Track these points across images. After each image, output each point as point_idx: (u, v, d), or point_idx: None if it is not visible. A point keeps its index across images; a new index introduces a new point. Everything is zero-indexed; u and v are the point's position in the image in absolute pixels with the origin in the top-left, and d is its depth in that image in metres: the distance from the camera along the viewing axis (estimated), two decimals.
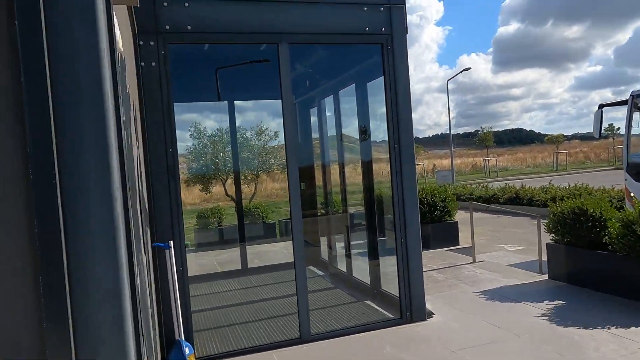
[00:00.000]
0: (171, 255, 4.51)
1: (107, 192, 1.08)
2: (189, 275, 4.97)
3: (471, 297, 6.44)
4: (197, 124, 14.02)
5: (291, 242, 5.28)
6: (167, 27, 4.71)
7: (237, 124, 10.18)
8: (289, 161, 5.18)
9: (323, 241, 9.57)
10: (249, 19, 4.93)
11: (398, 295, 5.58)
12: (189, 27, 4.77)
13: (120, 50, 1.98)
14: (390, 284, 6.04)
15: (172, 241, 4.56)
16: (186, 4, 4.76)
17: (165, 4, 4.69)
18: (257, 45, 5.75)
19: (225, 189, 13.77)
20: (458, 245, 10.38)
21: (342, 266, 8.36)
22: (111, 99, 1.15)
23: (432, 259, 8.99)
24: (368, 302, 6.54)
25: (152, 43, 4.66)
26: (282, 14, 5.03)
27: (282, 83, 5.15)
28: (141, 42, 4.63)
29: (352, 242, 8.33)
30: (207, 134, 14.21)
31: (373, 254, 7.19)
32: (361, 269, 7.50)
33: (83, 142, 1.08)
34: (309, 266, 9.11)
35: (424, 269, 5.79)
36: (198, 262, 10.55)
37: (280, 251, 10.93)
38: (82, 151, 1.07)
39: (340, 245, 8.82)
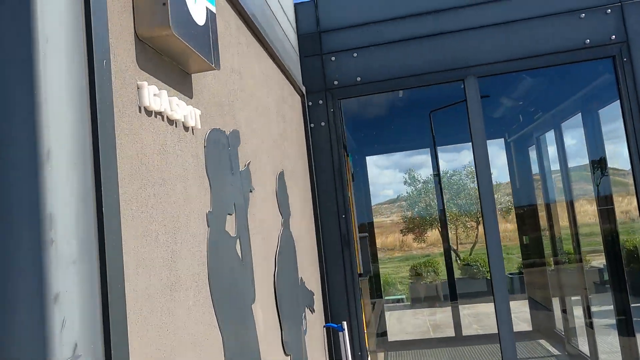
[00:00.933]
0: (345, 338, 3.92)
1: None
2: (399, 339, 4.27)
3: None
4: (411, 170, 13.62)
5: (519, 302, 4.09)
6: (336, 82, 4.34)
7: (451, 167, 9.30)
8: (484, 209, 4.12)
9: (555, 302, 7.71)
10: (427, 58, 4.20)
11: None
12: (358, 79, 4.31)
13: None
14: None
15: (345, 322, 3.98)
16: (355, 54, 4.32)
17: (332, 58, 4.35)
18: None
19: (443, 238, 12.79)
20: None
21: (583, 344, 6.47)
22: None
23: None
24: None
25: (320, 102, 4.34)
26: (468, 43, 4.15)
27: (472, 123, 4.19)
28: (310, 103, 4.35)
29: (593, 308, 6.42)
30: (421, 181, 13.64)
31: (625, 326, 5.27)
32: (612, 350, 5.60)
33: None
34: (539, 339, 7.40)
35: None
36: (411, 323, 9.77)
37: None
38: None
39: (579, 311, 6.91)
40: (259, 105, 2.80)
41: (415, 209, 13.63)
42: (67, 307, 0.97)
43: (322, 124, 4.33)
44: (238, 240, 2.15)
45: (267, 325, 2.42)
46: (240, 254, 2.15)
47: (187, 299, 1.58)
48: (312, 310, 3.63)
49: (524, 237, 7.94)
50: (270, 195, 2.82)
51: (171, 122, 1.61)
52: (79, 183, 1.06)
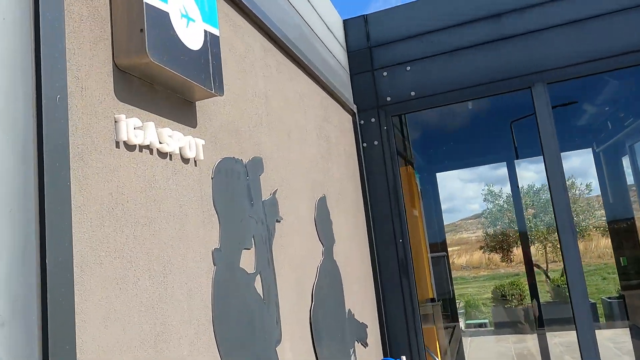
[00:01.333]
0: None
1: None
2: None
3: None
4: (489, 185, 12.85)
5: (620, 330, 3.58)
6: (389, 98, 4.10)
7: (540, 181, 8.60)
8: (559, 227, 3.63)
9: None
10: (489, 66, 3.84)
11: None
12: (412, 94, 4.04)
13: None
14: None
15: (404, 357, 3.67)
16: (408, 68, 4.07)
17: (384, 74, 4.12)
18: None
19: (525, 258, 11.83)
20: None
21: None
22: None
23: None
24: None
25: (373, 120, 4.12)
26: (534, 47, 3.74)
27: (542, 135, 3.76)
28: (362, 122, 4.15)
29: None
30: (502, 195, 12.79)
31: None
32: None
33: None
34: None
35: None
36: (494, 350, 9.05)
37: (605, 344, 8.33)
38: None
39: None
40: (293, 128, 2.65)
41: (497, 226, 12.74)
42: None
43: (375, 142, 4.10)
44: (259, 277, 1.99)
45: None
46: (262, 292, 1.99)
47: (180, 348, 1.43)
48: (365, 345, 3.37)
49: (620, 257, 7.05)
50: (306, 224, 2.65)
51: (163, 155, 1.49)
52: (15, 237, 0.95)
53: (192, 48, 1.53)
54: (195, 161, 1.67)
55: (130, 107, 1.38)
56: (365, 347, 3.37)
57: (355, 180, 3.85)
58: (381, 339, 3.81)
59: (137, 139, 1.35)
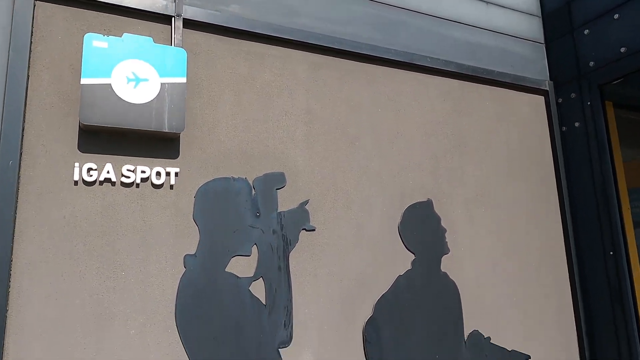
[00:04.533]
0: None
1: None
2: None
3: None
4: None
5: None
6: (591, 63, 3.08)
7: None
8: None
9: None
10: None
11: None
12: (622, 50, 2.89)
13: None
14: None
15: None
16: (616, 16, 2.94)
17: (585, 31, 3.12)
18: None
19: None
20: None
21: None
22: None
23: None
24: None
25: (573, 96, 3.18)
26: None
27: None
28: (559, 100, 3.26)
29: None
30: None
31: None
32: None
33: None
34: None
35: None
36: None
37: None
38: None
39: None
40: (362, 135, 2.60)
41: None
42: None
43: (576, 124, 3.15)
44: (261, 281, 2.22)
45: None
46: (264, 296, 2.20)
47: (127, 328, 1.95)
48: None
49: None
50: (376, 232, 2.53)
51: (126, 184, 2.05)
52: None
53: (137, 102, 2.02)
54: (171, 185, 2.13)
55: (91, 156, 2.01)
56: None
57: (528, 177, 3.11)
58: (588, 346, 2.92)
59: (89, 177, 1.98)
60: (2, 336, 1.76)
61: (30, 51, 1.98)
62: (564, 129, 3.24)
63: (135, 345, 1.96)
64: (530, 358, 2.81)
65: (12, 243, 1.83)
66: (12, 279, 1.82)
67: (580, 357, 2.97)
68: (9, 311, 1.80)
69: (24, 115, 1.93)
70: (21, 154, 1.90)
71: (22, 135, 1.92)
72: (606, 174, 2.98)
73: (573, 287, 3.06)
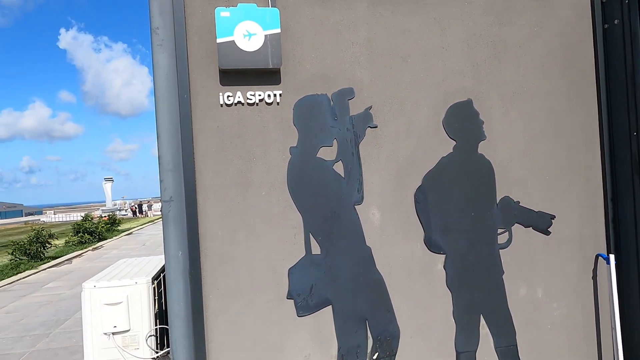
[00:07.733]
0: (610, 271, 3.50)
1: None
2: None
3: None
4: None
5: None
6: None
7: None
8: None
9: None
10: None
11: None
12: None
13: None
14: None
15: (613, 255, 3.50)
16: None
17: None
18: None
19: None
20: None
21: None
22: None
23: None
24: None
25: None
26: None
27: None
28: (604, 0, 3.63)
29: None
30: None
31: None
32: None
33: None
34: None
35: None
36: None
37: None
38: None
39: None
40: (410, 55, 3.43)
41: None
42: None
43: (616, 21, 3.55)
44: (341, 163, 3.34)
45: (386, 225, 3.39)
46: (343, 171, 3.34)
47: (260, 196, 3.24)
48: (546, 233, 3.59)
49: None
50: (421, 127, 3.44)
51: (250, 104, 3.24)
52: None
53: (251, 50, 3.13)
54: (277, 102, 3.27)
55: (228, 87, 3.21)
56: (547, 235, 3.60)
57: (566, 74, 3.64)
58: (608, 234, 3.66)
59: (229, 100, 3.20)
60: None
61: (185, 24, 3.17)
62: (606, 26, 3.65)
63: (264, 203, 3.26)
64: (555, 217, 3.62)
65: (192, 142, 3.16)
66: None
67: (605, 216, 3.68)
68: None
69: (188, 64, 3.16)
70: (189, 89, 3.17)
71: (189, 78, 3.17)
72: (637, 75, 3.42)
73: (603, 163, 3.67)
